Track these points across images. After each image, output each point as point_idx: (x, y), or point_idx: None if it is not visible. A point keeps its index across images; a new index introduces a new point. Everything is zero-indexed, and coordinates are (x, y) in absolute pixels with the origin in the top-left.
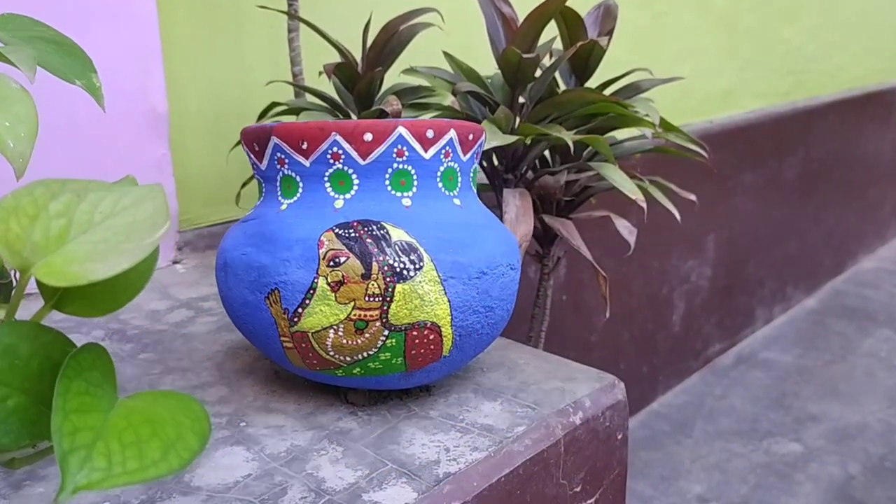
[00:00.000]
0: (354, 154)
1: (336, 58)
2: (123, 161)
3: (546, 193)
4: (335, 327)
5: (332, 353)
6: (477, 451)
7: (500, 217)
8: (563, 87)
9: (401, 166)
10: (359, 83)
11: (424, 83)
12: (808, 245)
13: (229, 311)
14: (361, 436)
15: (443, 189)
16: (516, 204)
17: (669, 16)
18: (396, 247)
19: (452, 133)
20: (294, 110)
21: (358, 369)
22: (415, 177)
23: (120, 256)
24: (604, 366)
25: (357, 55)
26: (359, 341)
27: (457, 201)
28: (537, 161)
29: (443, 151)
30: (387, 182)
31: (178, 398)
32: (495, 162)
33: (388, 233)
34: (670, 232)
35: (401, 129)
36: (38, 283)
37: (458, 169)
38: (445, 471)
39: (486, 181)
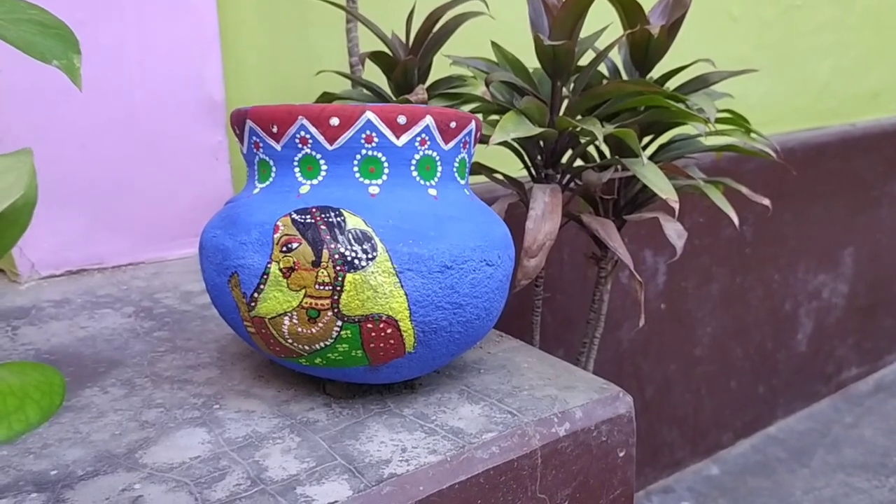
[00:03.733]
0: (321, 139)
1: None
2: (179, 148)
3: (587, 191)
4: (289, 314)
5: (290, 341)
6: (434, 455)
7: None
8: (626, 78)
9: (370, 153)
10: (395, 72)
11: (469, 73)
12: None
13: (208, 292)
14: (324, 428)
15: (417, 178)
16: (545, 200)
17: (803, 9)
18: (350, 235)
19: (429, 120)
20: (343, 101)
21: (319, 359)
22: (385, 164)
23: None
24: (709, 382)
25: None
26: (313, 330)
27: (433, 192)
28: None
29: (418, 139)
30: (355, 168)
31: (42, 371)
32: (538, 157)
33: (343, 220)
34: (797, 243)
35: (368, 115)
36: None
37: (437, 158)
38: (392, 471)
39: (528, 177)
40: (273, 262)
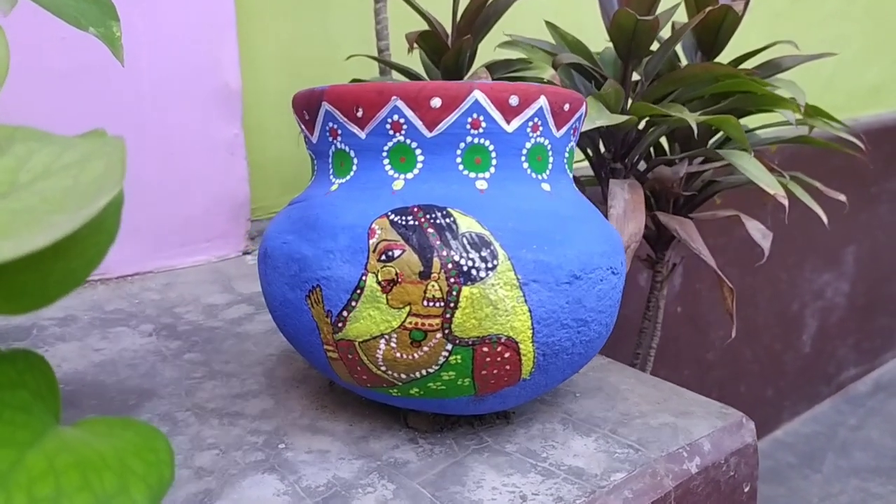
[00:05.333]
0: (419, 124)
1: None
2: (191, 142)
3: (662, 188)
4: (387, 337)
5: (383, 369)
6: (562, 503)
7: (605, 213)
8: (685, 63)
9: (476, 140)
10: (446, 55)
11: (522, 56)
12: None
13: (270, 310)
14: (419, 471)
15: (528, 171)
16: (625, 197)
17: (811, 0)
18: (464, 239)
19: (543, 101)
20: None
21: (416, 389)
22: (493, 154)
23: (41, 231)
24: (722, 388)
25: (449, 29)
26: (416, 355)
27: (545, 186)
28: (652, 149)
29: (530, 124)
30: (458, 159)
31: (138, 431)
32: (602, 149)
33: (454, 221)
34: (804, 241)
35: (476, 94)
36: None
37: (548, 146)
38: None
39: (590, 172)
40: (369, 274)
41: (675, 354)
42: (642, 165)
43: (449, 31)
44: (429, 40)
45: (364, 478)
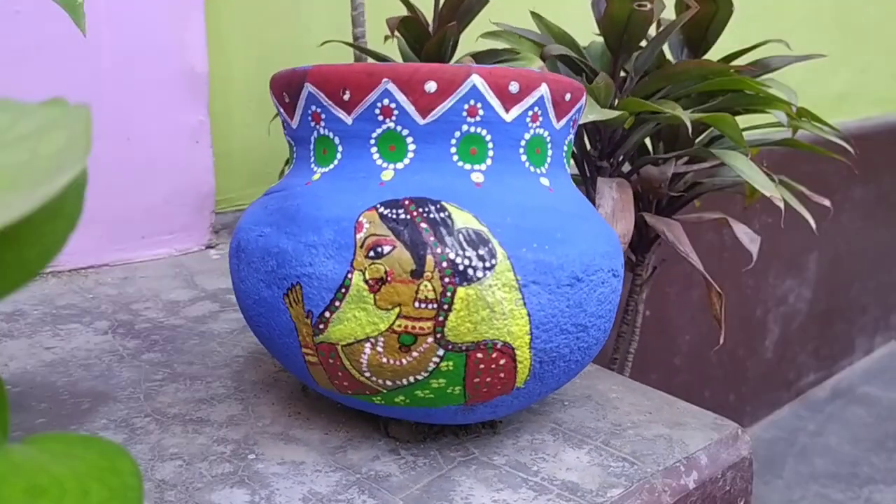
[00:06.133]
0: (411, 109)
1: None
2: (153, 127)
3: (647, 188)
4: (372, 340)
5: (367, 375)
6: None
7: None
8: (671, 60)
9: (472, 129)
10: (428, 42)
11: (507, 46)
12: None
13: (242, 309)
14: (402, 485)
15: (526, 164)
16: (613, 196)
17: (777, 8)
18: (460, 236)
19: (544, 89)
20: None
21: (401, 397)
22: (490, 145)
23: None
24: (689, 392)
25: (429, 16)
26: (403, 361)
27: (544, 181)
28: (636, 148)
29: (529, 113)
30: (452, 149)
31: (101, 451)
32: (587, 146)
33: (450, 216)
34: (770, 247)
35: (474, 78)
36: None
37: (547, 139)
38: None
39: (573, 171)
40: (355, 271)
41: (643, 358)
42: (627, 166)
43: (430, 18)
44: (410, 27)
45: (343, 492)
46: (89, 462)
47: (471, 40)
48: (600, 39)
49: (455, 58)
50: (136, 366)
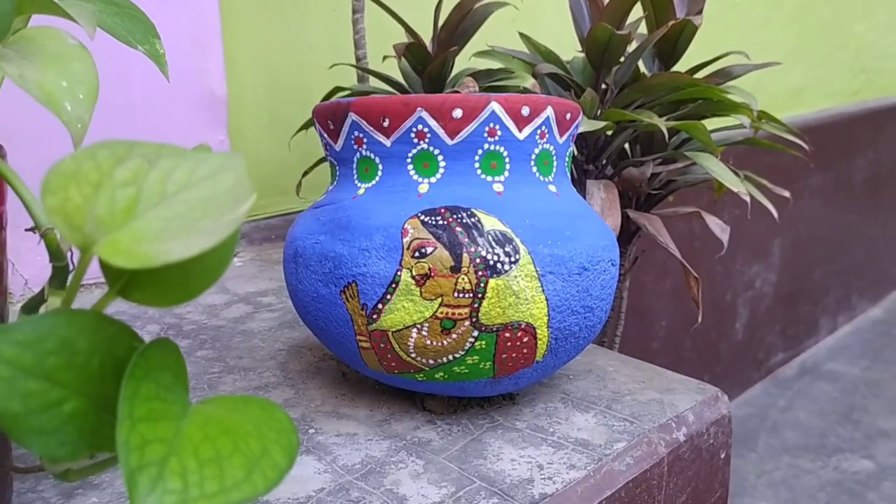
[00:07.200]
0: (441, 132)
1: (402, 41)
2: (180, 145)
3: (628, 187)
4: (419, 326)
5: (413, 356)
6: (574, 470)
7: None
8: (645, 72)
9: (492, 147)
10: (430, 65)
11: (497, 66)
12: (875, 252)
13: (299, 306)
14: (443, 448)
15: (537, 174)
16: (602, 196)
17: (741, 7)
18: (489, 236)
19: (550, 111)
20: (359, 95)
21: (441, 374)
22: (507, 159)
23: (197, 235)
24: None
25: (425, 38)
26: (444, 342)
27: (552, 188)
28: (618, 152)
29: (538, 132)
30: (476, 165)
31: (261, 405)
32: (575, 152)
33: (479, 221)
34: (736, 235)
35: (494, 105)
36: (102, 266)
37: (553, 152)
38: (541, 491)
39: None
40: (403, 269)
41: (622, 343)
42: (609, 169)
43: (427, 41)
44: (414, 52)
45: (394, 455)
46: (255, 413)
47: (464, 59)
48: (581, 55)
49: (452, 76)
50: (194, 361)
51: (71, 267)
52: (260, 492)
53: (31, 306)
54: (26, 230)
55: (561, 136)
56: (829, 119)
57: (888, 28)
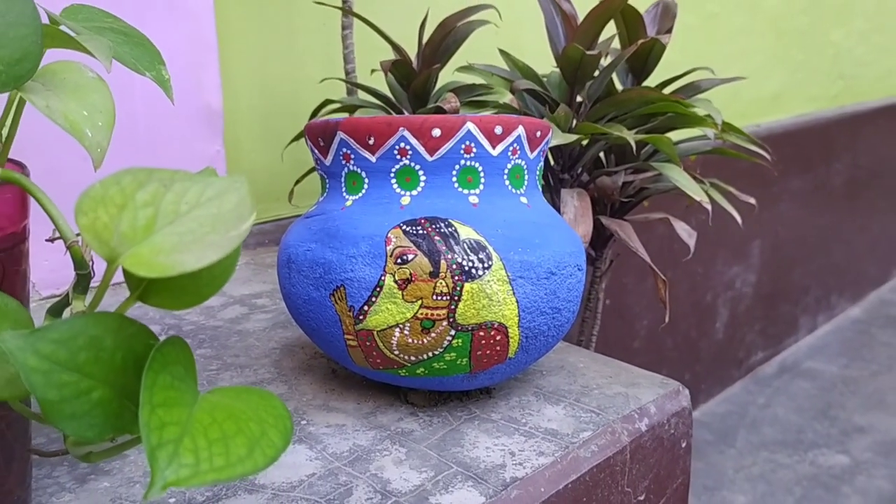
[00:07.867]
0: (422, 150)
1: (389, 55)
2: (178, 157)
3: (602, 195)
4: (401, 326)
5: (396, 353)
6: (543, 456)
7: None
8: (619, 86)
9: (468, 163)
10: (415, 81)
11: (478, 81)
12: (853, 253)
13: (291, 308)
14: (423, 437)
15: (510, 187)
16: (574, 204)
17: (721, 17)
18: (465, 245)
19: (521, 130)
20: (348, 108)
21: (422, 369)
22: (482, 174)
23: (207, 248)
24: None
25: (410, 53)
26: (424, 341)
27: (524, 199)
28: (592, 162)
29: (510, 148)
30: (454, 179)
31: (259, 394)
32: (551, 162)
33: (456, 230)
34: (716, 237)
35: (469, 125)
36: (125, 274)
37: (525, 167)
38: (512, 475)
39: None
40: (387, 274)
41: (605, 343)
42: (586, 176)
43: (413, 56)
44: (400, 68)
45: (379, 444)
46: (255, 401)
47: (448, 73)
48: (557, 70)
49: (435, 91)
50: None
51: (93, 275)
52: (260, 467)
53: (57, 309)
54: (46, 240)
55: (532, 151)
56: (808, 124)
57: (864, 35)
